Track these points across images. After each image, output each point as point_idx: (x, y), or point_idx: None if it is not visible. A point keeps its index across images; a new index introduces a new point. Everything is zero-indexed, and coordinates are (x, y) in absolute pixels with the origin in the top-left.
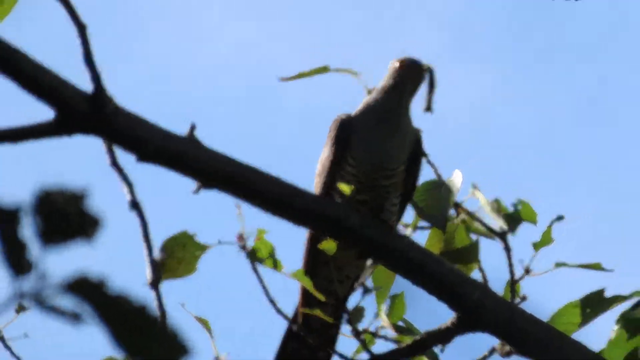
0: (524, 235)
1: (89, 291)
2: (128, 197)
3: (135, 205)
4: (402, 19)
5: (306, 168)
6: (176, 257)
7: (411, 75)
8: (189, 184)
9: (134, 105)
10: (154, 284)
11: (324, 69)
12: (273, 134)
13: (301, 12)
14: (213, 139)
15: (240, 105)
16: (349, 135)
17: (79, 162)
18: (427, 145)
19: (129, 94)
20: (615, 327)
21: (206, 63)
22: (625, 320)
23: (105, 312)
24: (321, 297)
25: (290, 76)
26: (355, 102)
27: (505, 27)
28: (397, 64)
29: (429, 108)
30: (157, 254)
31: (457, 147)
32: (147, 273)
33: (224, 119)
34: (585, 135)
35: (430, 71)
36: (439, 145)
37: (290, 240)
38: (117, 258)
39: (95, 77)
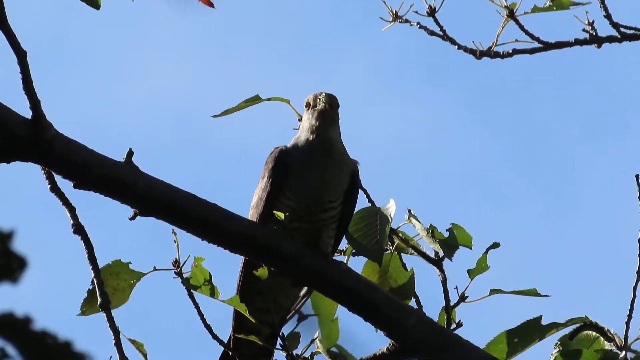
0: (459, 263)
1: (14, 329)
2: (71, 221)
3: (79, 228)
4: (330, 59)
5: (238, 204)
6: (110, 286)
7: (327, 111)
8: (125, 211)
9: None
10: (104, 307)
11: (255, 100)
12: (205, 171)
13: (231, 51)
14: (149, 169)
15: (173, 142)
16: (286, 168)
17: (16, 189)
18: (361, 176)
19: (66, 124)
20: (554, 352)
21: (138, 101)
22: (564, 348)
23: (30, 350)
24: (254, 321)
25: (223, 111)
26: (285, 134)
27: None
28: (311, 102)
29: None
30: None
31: (389, 177)
32: (81, 301)
33: (158, 155)
34: (517, 163)
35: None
36: (372, 175)
37: (225, 269)
38: (53, 286)
39: (35, 103)
